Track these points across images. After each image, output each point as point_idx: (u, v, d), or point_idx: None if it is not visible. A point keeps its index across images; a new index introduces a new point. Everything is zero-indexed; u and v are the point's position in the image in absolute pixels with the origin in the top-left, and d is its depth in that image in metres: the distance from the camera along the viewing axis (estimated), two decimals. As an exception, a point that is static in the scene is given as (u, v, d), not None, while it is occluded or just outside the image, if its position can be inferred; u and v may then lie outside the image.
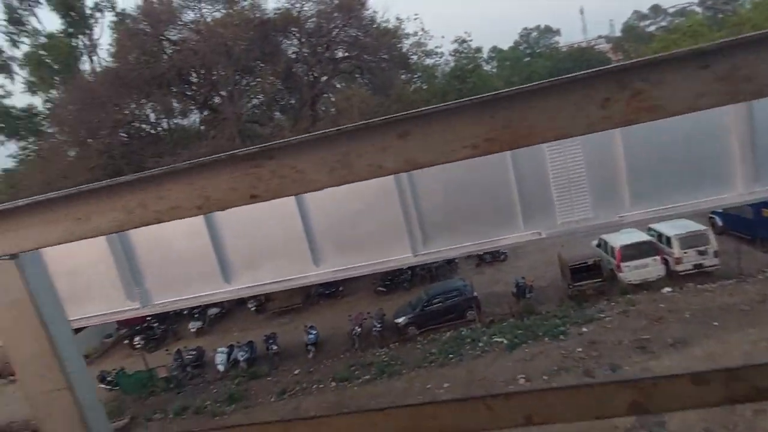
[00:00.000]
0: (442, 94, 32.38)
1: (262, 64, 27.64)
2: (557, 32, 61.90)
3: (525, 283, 20.34)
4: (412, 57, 33.39)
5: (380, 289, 24.29)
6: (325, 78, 29.63)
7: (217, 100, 27.72)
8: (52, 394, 1.34)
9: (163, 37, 25.38)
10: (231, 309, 25.39)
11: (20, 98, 39.71)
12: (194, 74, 26.48)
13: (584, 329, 17.14)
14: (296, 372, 18.89)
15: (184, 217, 1.24)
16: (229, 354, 19.68)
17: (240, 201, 1.20)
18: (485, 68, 45.19)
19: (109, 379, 19.81)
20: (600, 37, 74.06)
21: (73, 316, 10.88)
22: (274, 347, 19.79)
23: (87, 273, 10.55)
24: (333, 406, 16.11)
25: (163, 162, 22.28)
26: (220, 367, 19.40)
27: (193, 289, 10.83)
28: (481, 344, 17.77)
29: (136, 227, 1.23)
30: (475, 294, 20.24)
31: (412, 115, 1.16)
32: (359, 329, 19.94)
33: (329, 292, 24.80)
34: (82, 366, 1.42)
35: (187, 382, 19.49)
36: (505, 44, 56.86)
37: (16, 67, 28.41)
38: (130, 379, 19.32)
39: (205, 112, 28.62)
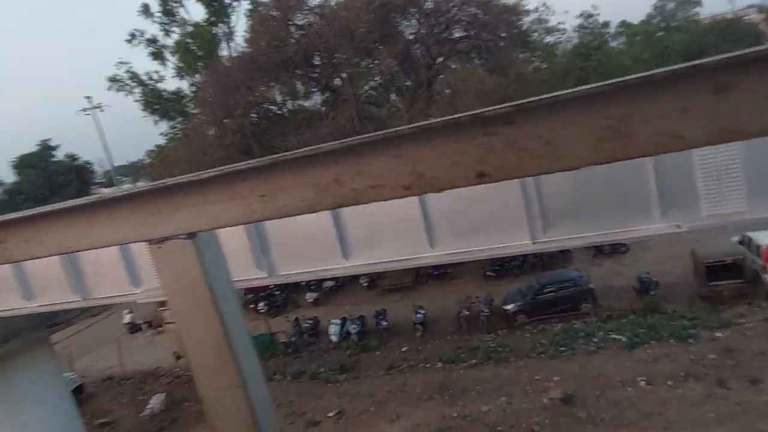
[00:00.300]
0: (563, 74, 30.56)
1: (380, 46, 28.05)
2: (698, 3, 54.80)
3: (649, 278, 18.80)
4: (532, 35, 31.77)
5: (489, 273, 23.94)
6: (441, 59, 29.33)
7: (337, 82, 28.74)
8: (225, 392, 1.19)
9: (291, 22, 26.75)
10: (345, 283, 26.59)
11: (171, 82, 44.44)
12: (318, 57, 27.62)
13: (718, 334, 15.49)
14: (404, 349, 19.37)
15: (387, 198, 0.94)
16: (342, 326, 20.70)
17: (462, 180, 0.90)
18: (612, 45, 41.64)
19: (237, 338, 21.87)
20: (750, 6, 64.40)
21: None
22: (384, 323, 20.44)
23: (223, 241, 11.55)
24: (439, 387, 16.34)
25: (288, 141, 23.76)
26: (334, 338, 20.50)
27: (314, 263, 11.37)
28: (596, 340, 16.86)
29: (328, 208, 0.93)
30: (591, 286, 19.14)
31: (733, 61, 0.80)
32: (467, 312, 19.87)
33: (438, 273, 24.96)
34: (256, 364, 1.21)
35: (304, 348, 20.88)
36: (637, 18, 51.82)
37: (168, 54, 31.96)
38: (254, 340, 20.96)
39: (326, 94, 29.81)
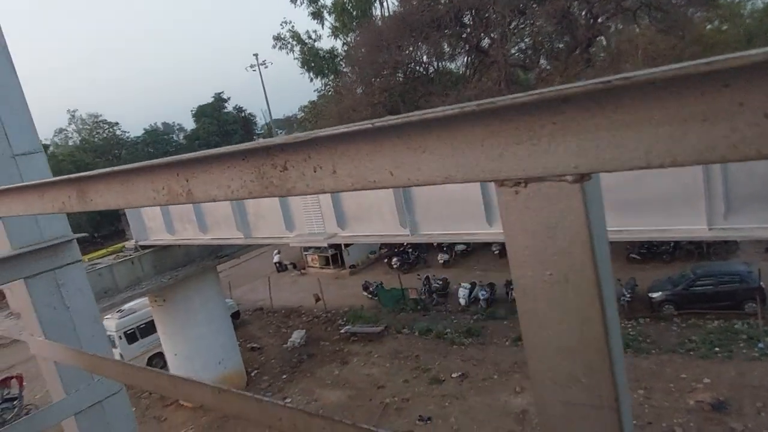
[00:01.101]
0: (748, 38, 26.13)
1: (535, 5, 26.35)
2: None
3: (844, 285, 15.89)
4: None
5: (634, 256, 22.15)
6: (603, 18, 26.69)
7: (485, 42, 27.79)
8: (587, 411, 0.86)
9: (444, -20, 26.21)
10: (476, 248, 26.50)
11: (326, 42, 46.72)
12: (468, 16, 26.86)
13: None
14: (533, 322, 18.94)
15: None
16: (471, 290, 20.81)
17: None
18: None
19: (371, 289, 23.17)
20: None
21: (354, 232, 12.82)
22: (514, 294, 20.08)
23: (370, 196, 12.04)
24: (568, 365, 15.81)
25: (432, 103, 23.81)
26: (462, 301, 20.72)
27: (457, 227, 11.39)
28: (761, 345, 14.89)
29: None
30: (761, 284, 16.74)
31: None
32: (605, 295, 18.70)
33: (576, 250, 23.68)
34: (624, 376, 0.87)
35: (432, 307, 21.46)
36: None
37: (326, 14, 33.43)
38: (387, 293, 22.24)
39: (472, 56, 29.04)
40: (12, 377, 17.65)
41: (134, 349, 19.45)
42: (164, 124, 52.39)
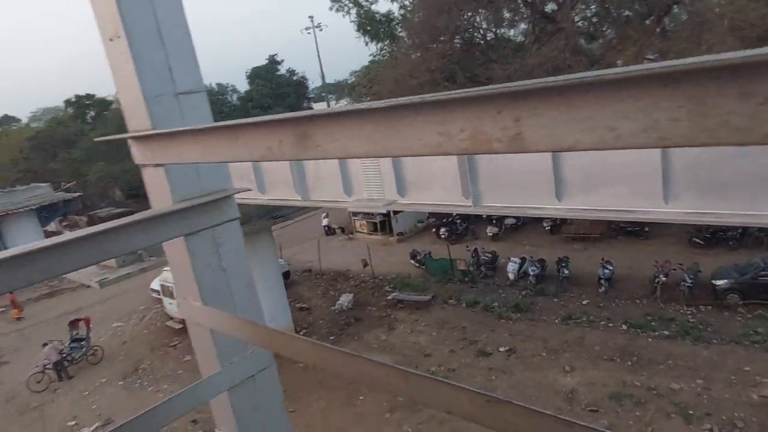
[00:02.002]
0: None
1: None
2: None
3: None
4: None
5: (697, 240, 21.13)
6: (683, -17, 24.74)
7: (548, 8, 26.41)
8: None
9: (512, -61, 24.86)
10: (526, 223, 25.95)
11: (383, 5, 45.47)
12: (535, -21, 25.51)
13: None
14: (585, 302, 18.51)
15: None
16: (520, 265, 20.45)
17: None
18: None
19: (418, 258, 23.13)
20: None
21: (414, 200, 12.61)
22: (566, 271, 19.63)
23: (433, 163, 11.71)
24: (621, 350, 15.43)
25: (491, 71, 22.99)
26: (511, 275, 20.41)
27: (522, 200, 10.91)
28: (836, 343, 14.04)
29: None
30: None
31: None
32: (664, 278, 17.99)
33: (632, 229, 22.81)
34: None
35: (480, 280, 21.25)
36: None
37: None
38: (435, 263, 22.15)
39: (535, 22, 27.67)
40: (80, 319, 18.79)
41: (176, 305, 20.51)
42: (218, 84, 52.98)
